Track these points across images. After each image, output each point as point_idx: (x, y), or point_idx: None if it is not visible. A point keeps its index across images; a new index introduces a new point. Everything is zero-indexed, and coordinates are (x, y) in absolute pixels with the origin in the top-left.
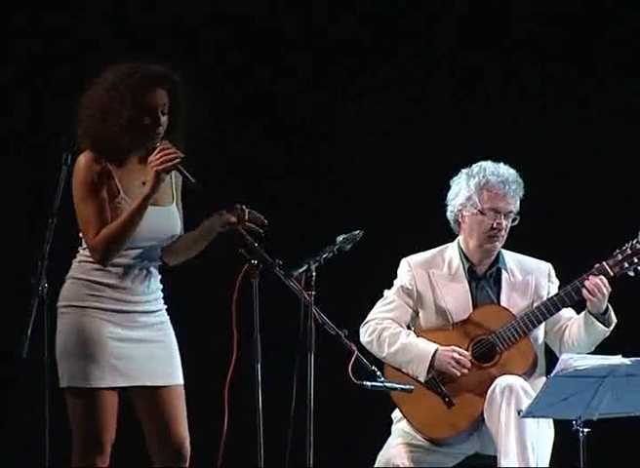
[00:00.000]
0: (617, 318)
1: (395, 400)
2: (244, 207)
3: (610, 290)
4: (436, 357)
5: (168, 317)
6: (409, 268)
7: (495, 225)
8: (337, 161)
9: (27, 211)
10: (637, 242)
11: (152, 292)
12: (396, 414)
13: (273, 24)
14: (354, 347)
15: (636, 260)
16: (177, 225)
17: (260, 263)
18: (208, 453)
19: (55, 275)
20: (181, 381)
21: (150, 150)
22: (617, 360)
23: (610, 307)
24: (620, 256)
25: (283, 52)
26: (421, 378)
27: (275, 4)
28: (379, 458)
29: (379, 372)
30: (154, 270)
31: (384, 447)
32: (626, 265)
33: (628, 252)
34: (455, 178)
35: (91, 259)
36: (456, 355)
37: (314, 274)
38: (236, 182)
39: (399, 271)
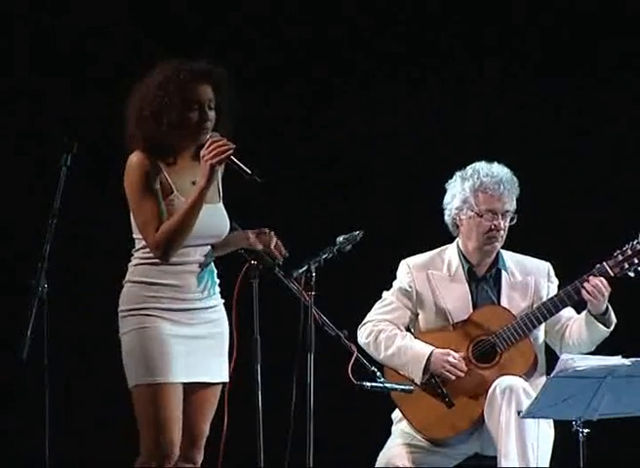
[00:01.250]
0: (617, 318)
1: (395, 400)
2: (272, 233)
3: (609, 290)
4: (431, 360)
5: (225, 312)
6: (408, 270)
7: (493, 226)
8: (337, 161)
9: (28, 211)
10: (638, 242)
11: (209, 287)
12: (396, 415)
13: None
14: (354, 348)
15: (636, 261)
16: (227, 222)
17: (260, 264)
18: (208, 453)
19: (55, 276)
20: (227, 379)
21: (201, 146)
22: (616, 360)
23: (610, 308)
24: (620, 257)
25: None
26: (417, 381)
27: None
28: (379, 459)
29: (378, 373)
30: (210, 266)
31: (385, 447)
32: (627, 266)
33: (629, 252)
34: (450, 182)
35: (147, 261)
36: (450, 358)
37: (314, 275)
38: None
39: (398, 273)
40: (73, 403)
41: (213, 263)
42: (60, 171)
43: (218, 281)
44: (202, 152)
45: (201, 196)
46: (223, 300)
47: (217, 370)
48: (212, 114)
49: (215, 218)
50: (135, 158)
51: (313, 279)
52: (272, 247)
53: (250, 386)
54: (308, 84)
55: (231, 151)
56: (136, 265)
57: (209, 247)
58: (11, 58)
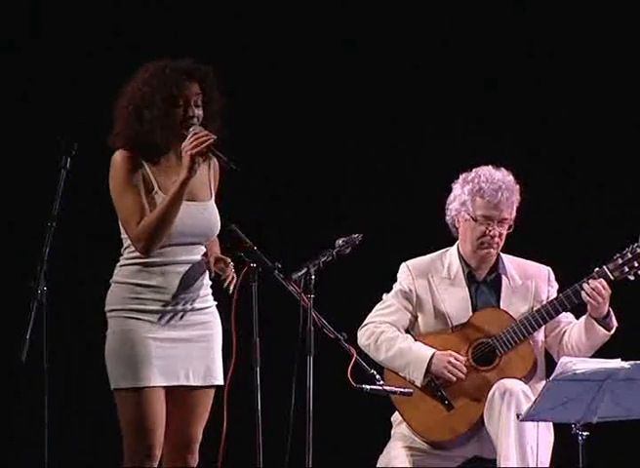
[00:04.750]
0: (616, 321)
1: (395, 403)
2: (230, 263)
3: (610, 292)
4: (433, 362)
5: (217, 315)
6: (408, 272)
7: (486, 232)
8: (336, 163)
9: (27, 214)
10: (637, 246)
11: (197, 289)
12: (395, 418)
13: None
14: (353, 351)
15: (636, 264)
16: (215, 222)
17: (260, 266)
18: (208, 454)
19: (54, 279)
20: (220, 382)
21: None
22: (616, 363)
23: (611, 311)
24: (620, 260)
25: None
26: (418, 383)
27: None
28: (379, 462)
29: (378, 376)
30: (197, 268)
31: (384, 450)
32: (626, 269)
33: (629, 256)
34: (456, 181)
35: (132, 261)
36: (452, 360)
37: (313, 277)
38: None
39: (399, 275)
40: (72, 404)
41: (202, 265)
42: (59, 173)
43: (209, 283)
44: (183, 144)
45: (182, 188)
46: (216, 302)
47: (209, 373)
48: (198, 111)
49: (202, 217)
50: (117, 155)
51: (312, 282)
52: (224, 274)
53: (249, 389)
54: (312, 86)
55: (211, 141)
56: (121, 266)
57: (199, 247)
58: (10, 58)
